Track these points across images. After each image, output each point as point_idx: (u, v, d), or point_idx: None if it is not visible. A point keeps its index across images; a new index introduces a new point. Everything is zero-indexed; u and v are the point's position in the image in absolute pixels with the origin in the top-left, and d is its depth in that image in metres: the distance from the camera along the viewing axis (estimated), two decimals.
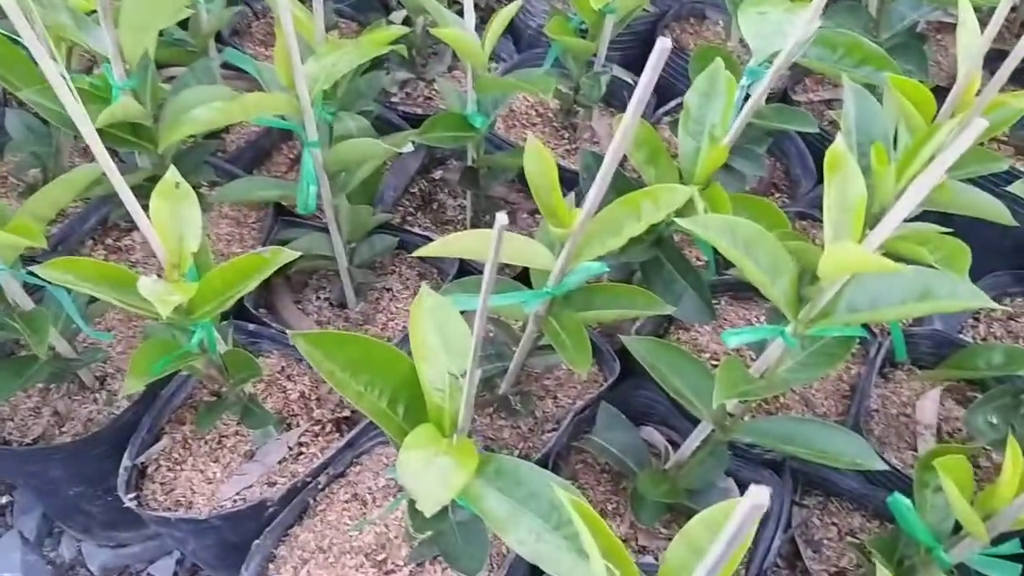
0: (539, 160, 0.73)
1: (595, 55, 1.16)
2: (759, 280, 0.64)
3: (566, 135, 1.29)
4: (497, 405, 0.94)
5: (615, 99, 1.33)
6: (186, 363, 0.77)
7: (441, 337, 0.64)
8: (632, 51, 1.41)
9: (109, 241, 1.09)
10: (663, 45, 0.46)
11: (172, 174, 0.74)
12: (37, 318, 0.79)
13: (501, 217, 0.46)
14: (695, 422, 0.94)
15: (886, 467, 0.75)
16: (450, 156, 1.25)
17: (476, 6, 1.26)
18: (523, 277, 0.85)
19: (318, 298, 1.06)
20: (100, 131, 0.88)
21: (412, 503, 0.64)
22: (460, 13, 0.93)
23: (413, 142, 0.90)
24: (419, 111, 1.26)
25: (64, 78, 0.64)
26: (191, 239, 0.73)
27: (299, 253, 0.75)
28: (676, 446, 0.96)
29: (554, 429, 0.93)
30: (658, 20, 1.43)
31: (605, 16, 1.10)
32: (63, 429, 0.92)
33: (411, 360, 0.62)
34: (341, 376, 0.60)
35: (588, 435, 0.91)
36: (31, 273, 0.80)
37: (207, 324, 0.78)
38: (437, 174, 1.23)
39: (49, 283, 0.80)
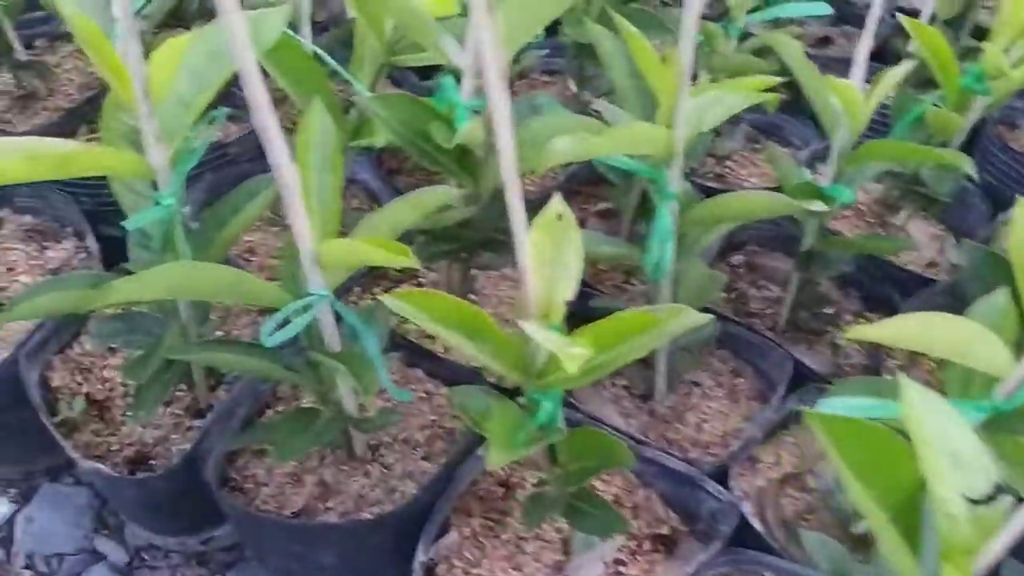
0: None
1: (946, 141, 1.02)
2: None
3: (881, 234, 1.14)
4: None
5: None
6: (538, 442, 0.63)
7: (946, 449, 0.49)
8: None
9: (377, 291, 0.98)
10: None
11: (557, 203, 0.62)
12: (358, 359, 0.66)
13: None
14: None
15: None
16: (748, 241, 1.11)
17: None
18: None
19: (614, 384, 0.92)
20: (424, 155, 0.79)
21: None
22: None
23: None
24: (711, 185, 1.15)
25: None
26: (566, 286, 0.61)
27: (709, 317, 0.62)
28: None
29: None
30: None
31: (975, 97, 0.96)
32: (328, 504, 0.78)
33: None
34: (848, 473, 0.46)
35: None
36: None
37: (557, 394, 0.65)
38: (735, 259, 1.10)
39: (355, 323, 0.69)
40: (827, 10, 1.10)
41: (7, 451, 0.99)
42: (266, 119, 0.54)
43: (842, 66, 1.35)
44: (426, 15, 0.72)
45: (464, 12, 0.80)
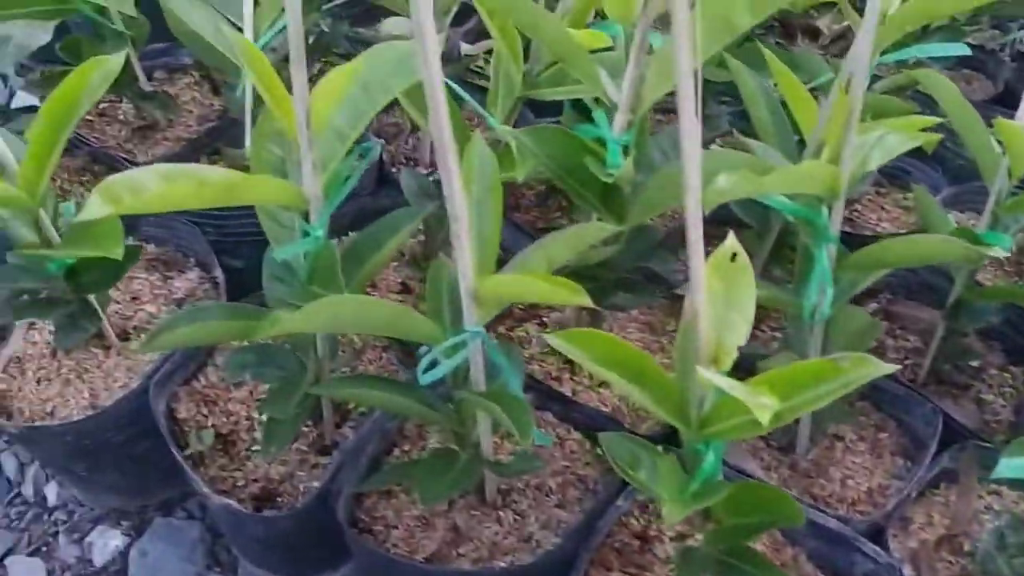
0: None
1: None
2: None
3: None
4: None
5: None
6: (709, 496, 0.60)
7: None
8: None
9: (501, 329, 0.97)
10: None
11: (731, 242, 0.61)
12: (510, 400, 0.65)
13: None
14: None
15: None
16: (882, 288, 1.08)
17: None
18: None
19: None
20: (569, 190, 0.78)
21: None
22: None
23: None
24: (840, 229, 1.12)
25: None
26: (739, 330, 0.59)
27: (895, 367, 0.59)
28: None
29: None
30: None
31: None
32: (460, 550, 0.77)
33: None
34: None
35: None
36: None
37: (721, 446, 0.62)
38: (870, 307, 1.06)
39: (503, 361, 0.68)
40: (965, 51, 1.07)
41: (128, 483, 0.99)
42: (447, 144, 0.53)
43: None
44: (584, 48, 0.71)
45: (614, 46, 0.80)
